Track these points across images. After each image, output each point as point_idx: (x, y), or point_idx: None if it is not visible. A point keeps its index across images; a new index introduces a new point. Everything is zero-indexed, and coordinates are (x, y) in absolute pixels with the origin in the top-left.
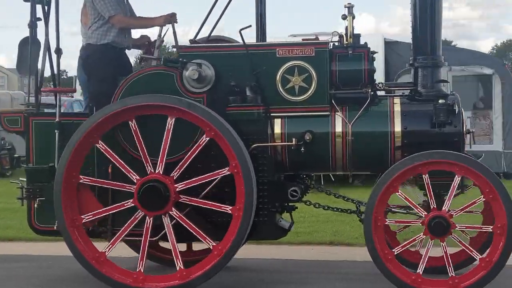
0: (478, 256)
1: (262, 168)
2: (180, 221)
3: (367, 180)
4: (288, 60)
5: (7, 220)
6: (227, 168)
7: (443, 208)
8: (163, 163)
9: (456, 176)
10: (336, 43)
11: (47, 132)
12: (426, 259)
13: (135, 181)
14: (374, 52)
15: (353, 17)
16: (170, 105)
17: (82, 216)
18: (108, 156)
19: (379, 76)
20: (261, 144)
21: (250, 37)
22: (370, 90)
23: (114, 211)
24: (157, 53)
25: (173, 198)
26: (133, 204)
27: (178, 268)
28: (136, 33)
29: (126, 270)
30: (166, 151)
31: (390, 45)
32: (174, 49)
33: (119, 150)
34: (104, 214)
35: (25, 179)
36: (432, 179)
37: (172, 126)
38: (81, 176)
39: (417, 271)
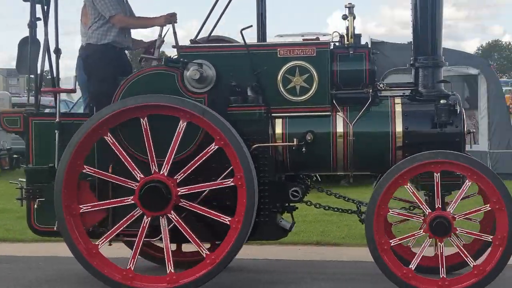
0: (472, 263)
1: (263, 168)
2: (177, 225)
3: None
4: (289, 60)
5: None
6: (232, 179)
7: (448, 210)
8: (169, 165)
9: (467, 180)
10: (337, 43)
11: (46, 133)
12: (420, 257)
13: (138, 179)
14: (375, 53)
15: (354, 17)
16: (185, 109)
17: (81, 206)
18: (116, 151)
19: None
20: (262, 144)
21: (250, 37)
22: (371, 90)
23: (114, 205)
24: (157, 53)
25: (174, 201)
26: (132, 201)
27: (168, 271)
28: (135, 33)
29: (117, 266)
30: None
31: (376, 46)
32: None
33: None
34: (103, 207)
35: (24, 180)
36: (428, 180)
37: (183, 130)
38: (84, 166)
39: (410, 266)
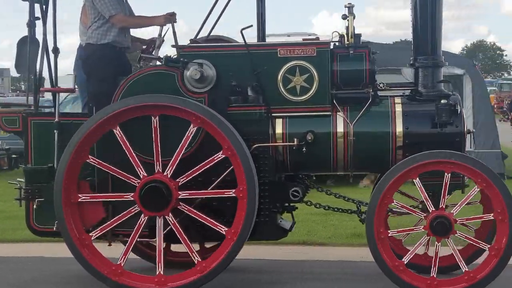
0: (465, 268)
1: (264, 168)
2: (173, 228)
3: (339, 180)
4: (289, 60)
5: None
6: (234, 190)
7: (452, 212)
8: (174, 167)
9: (476, 186)
10: (337, 43)
11: (46, 132)
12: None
13: (141, 176)
14: (374, 52)
15: (354, 17)
16: (198, 114)
17: (79, 195)
18: (123, 146)
19: None
20: (262, 144)
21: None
22: (371, 90)
23: (113, 199)
24: (157, 53)
25: (173, 203)
26: (132, 198)
27: (157, 272)
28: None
29: (107, 260)
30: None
31: None
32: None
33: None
34: (103, 199)
35: (23, 180)
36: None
37: (192, 134)
38: (89, 156)
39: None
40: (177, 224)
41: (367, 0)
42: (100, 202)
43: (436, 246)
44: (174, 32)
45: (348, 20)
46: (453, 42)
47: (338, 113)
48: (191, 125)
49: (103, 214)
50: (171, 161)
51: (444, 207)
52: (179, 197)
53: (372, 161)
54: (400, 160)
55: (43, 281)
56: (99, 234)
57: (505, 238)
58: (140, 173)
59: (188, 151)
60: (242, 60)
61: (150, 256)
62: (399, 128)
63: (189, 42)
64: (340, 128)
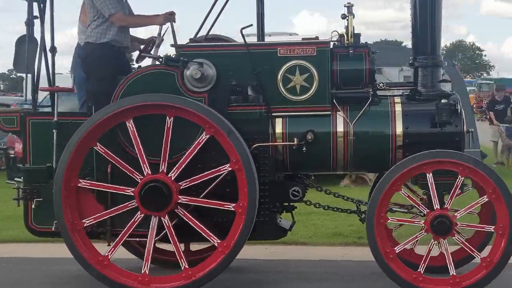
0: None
1: (263, 168)
2: (166, 230)
3: (320, 179)
4: (289, 59)
5: None
6: (234, 205)
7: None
8: (179, 170)
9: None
10: (336, 43)
11: (44, 132)
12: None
13: (145, 174)
14: (374, 52)
15: (353, 16)
16: (212, 123)
17: (81, 181)
18: (133, 141)
19: None
20: (262, 144)
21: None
22: (371, 90)
23: (113, 191)
24: (157, 52)
25: (171, 206)
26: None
27: (143, 271)
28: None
29: (96, 250)
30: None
31: None
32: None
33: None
34: (103, 189)
35: (21, 179)
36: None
37: (203, 141)
38: (97, 143)
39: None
40: (171, 227)
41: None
42: (99, 202)
43: (431, 244)
44: (173, 32)
45: (347, 19)
46: None
47: (338, 112)
48: (204, 133)
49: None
50: (177, 164)
51: (448, 207)
52: (179, 201)
53: (372, 160)
54: (400, 160)
55: (41, 281)
56: (92, 222)
57: (499, 253)
58: (145, 170)
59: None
60: (242, 60)
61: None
62: (399, 128)
63: (188, 41)
64: (340, 128)
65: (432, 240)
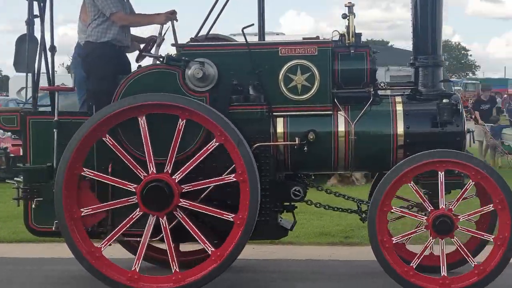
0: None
1: (265, 167)
2: (163, 231)
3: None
4: (290, 59)
5: None
6: (233, 216)
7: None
8: (184, 173)
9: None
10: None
11: (44, 131)
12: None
13: (150, 172)
14: (375, 52)
15: (354, 16)
16: (223, 131)
17: (84, 169)
18: (143, 138)
19: None
20: (263, 144)
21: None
22: (372, 90)
23: (114, 184)
24: (158, 51)
25: (171, 208)
26: (134, 190)
27: (133, 268)
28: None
29: (90, 242)
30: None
31: None
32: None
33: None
34: (105, 180)
35: (20, 179)
36: (432, 179)
37: (212, 148)
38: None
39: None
40: (167, 228)
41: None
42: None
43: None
44: (174, 31)
45: (348, 19)
46: None
47: (339, 112)
48: (214, 139)
49: (104, 214)
50: (183, 168)
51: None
52: (179, 204)
53: (373, 160)
54: (401, 160)
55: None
56: (90, 213)
57: (494, 263)
58: (150, 169)
59: (188, 151)
60: (243, 59)
61: (152, 257)
62: (400, 128)
63: (188, 40)
64: (341, 128)
65: (431, 238)
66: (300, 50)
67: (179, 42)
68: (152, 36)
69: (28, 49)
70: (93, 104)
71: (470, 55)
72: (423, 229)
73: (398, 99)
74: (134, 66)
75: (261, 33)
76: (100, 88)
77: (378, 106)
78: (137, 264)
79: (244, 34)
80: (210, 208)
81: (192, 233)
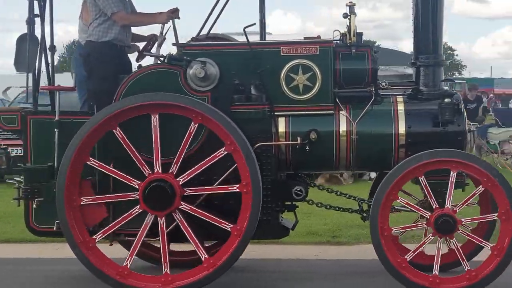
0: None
1: (266, 167)
2: (159, 231)
3: None
4: (292, 58)
5: None
6: (232, 226)
7: (446, 206)
8: (189, 177)
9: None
10: (338, 42)
11: (45, 131)
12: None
13: (155, 170)
14: (376, 51)
15: (355, 15)
16: (234, 142)
17: (91, 159)
18: (153, 136)
19: None
20: (265, 143)
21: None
22: (373, 89)
23: (118, 177)
24: (159, 51)
25: (170, 210)
26: (136, 186)
27: (124, 263)
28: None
29: (86, 231)
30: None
31: None
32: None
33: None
34: (112, 174)
35: (20, 179)
36: (431, 178)
37: (220, 155)
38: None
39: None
40: (164, 229)
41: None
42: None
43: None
44: (175, 30)
45: (349, 18)
46: (404, 42)
47: (340, 112)
48: (223, 148)
49: (105, 213)
50: (188, 171)
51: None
52: (179, 207)
53: (374, 159)
54: (402, 159)
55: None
56: (89, 202)
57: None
58: (156, 168)
59: (190, 150)
60: (245, 59)
61: (151, 257)
62: (402, 127)
63: (189, 40)
64: (343, 127)
65: (430, 235)
66: (302, 50)
67: (179, 42)
68: (152, 34)
69: (28, 49)
70: (94, 104)
71: (457, 55)
72: (423, 225)
73: (400, 98)
74: (134, 66)
75: (263, 32)
76: (101, 87)
77: (379, 105)
78: (129, 261)
79: (245, 34)
80: (209, 215)
81: (188, 237)
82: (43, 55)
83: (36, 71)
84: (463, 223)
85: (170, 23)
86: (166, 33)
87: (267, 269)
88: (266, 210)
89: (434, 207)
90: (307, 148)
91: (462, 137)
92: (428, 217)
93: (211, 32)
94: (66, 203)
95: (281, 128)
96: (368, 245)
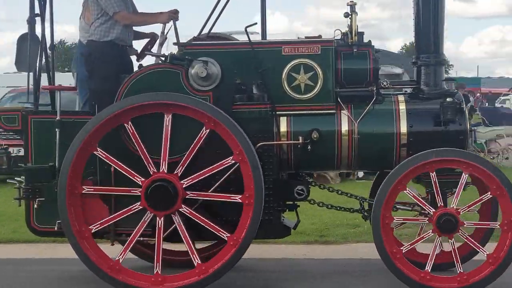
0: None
1: (268, 166)
2: (156, 232)
3: None
4: (293, 58)
5: None
6: (229, 235)
7: (452, 206)
8: (193, 181)
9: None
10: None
11: (46, 131)
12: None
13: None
14: (377, 51)
15: (356, 15)
16: (243, 153)
17: (98, 149)
18: (164, 135)
19: None
20: (267, 143)
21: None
22: (375, 88)
23: (122, 171)
24: (160, 50)
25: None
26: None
27: (116, 258)
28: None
29: (84, 223)
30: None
31: None
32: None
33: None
34: (117, 167)
35: (21, 179)
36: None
37: (227, 164)
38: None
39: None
40: (161, 228)
41: None
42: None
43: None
44: (176, 30)
45: (350, 18)
46: (392, 41)
47: (342, 111)
48: (231, 157)
49: (107, 214)
50: (194, 175)
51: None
52: (180, 209)
53: (376, 159)
54: (404, 158)
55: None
56: (91, 192)
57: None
58: (162, 167)
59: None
60: (246, 58)
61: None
62: (403, 126)
63: (190, 39)
64: (344, 126)
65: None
66: (303, 49)
67: (180, 42)
68: (152, 33)
69: (29, 48)
70: (96, 104)
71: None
72: (425, 220)
73: (401, 98)
74: (135, 66)
75: (264, 32)
76: (103, 87)
77: (381, 105)
78: (121, 255)
79: (247, 33)
80: (209, 223)
81: (184, 240)
82: (43, 54)
83: (37, 70)
84: (465, 225)
85: (171, 22)
86: (167, 32)
87: (254, 269)
88: (268, 210)
89: (439, 205)
90: (308, 147)
91: (464, 136)
92: (432, 213)
93: (212, 31)
94: (68, 190)
95: (283, 127)
96: (356, 244)
